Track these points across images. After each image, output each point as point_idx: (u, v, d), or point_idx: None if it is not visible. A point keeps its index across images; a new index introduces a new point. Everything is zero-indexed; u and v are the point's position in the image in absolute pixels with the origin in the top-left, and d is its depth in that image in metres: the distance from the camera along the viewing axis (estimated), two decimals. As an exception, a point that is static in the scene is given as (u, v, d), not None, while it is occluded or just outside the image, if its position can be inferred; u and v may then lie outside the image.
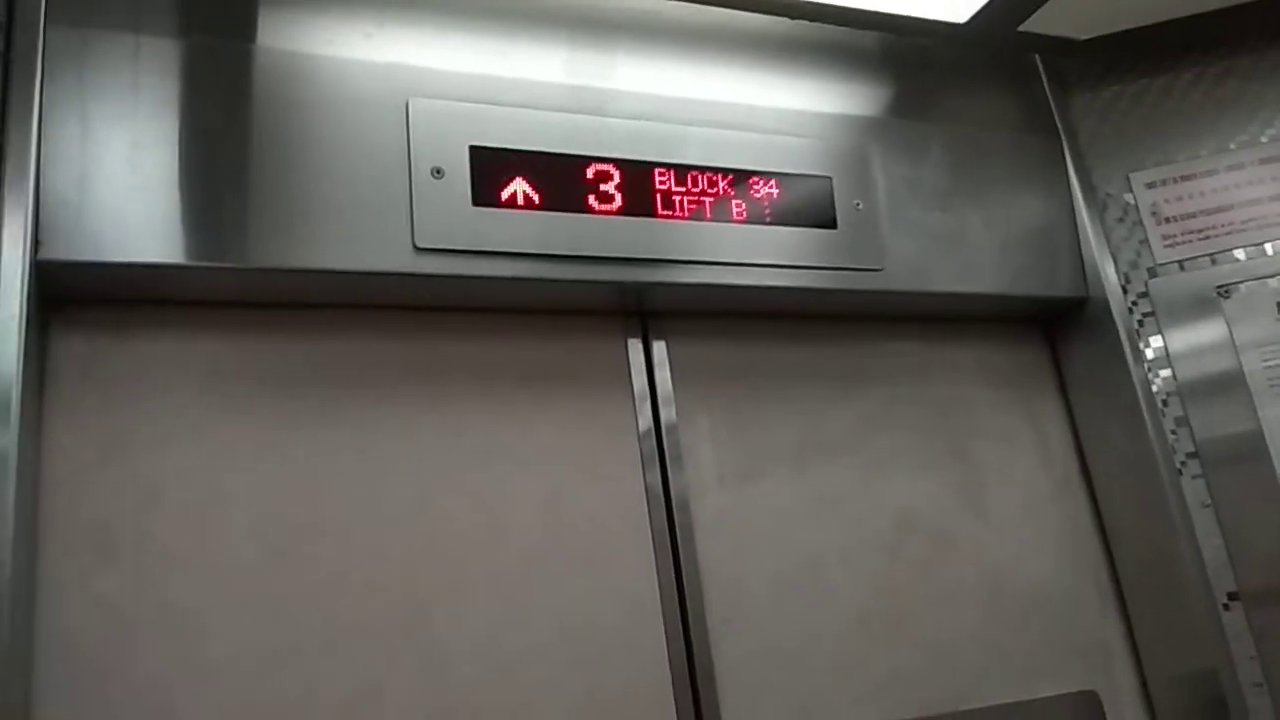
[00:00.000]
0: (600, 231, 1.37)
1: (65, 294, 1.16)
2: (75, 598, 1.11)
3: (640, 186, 1.42)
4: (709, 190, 1.46)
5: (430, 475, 1.31)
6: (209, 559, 1.17)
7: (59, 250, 1.10)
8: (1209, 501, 1.56)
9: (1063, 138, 1.76)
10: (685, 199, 1.45)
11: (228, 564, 1.18)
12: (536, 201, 1.35)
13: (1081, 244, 1.71)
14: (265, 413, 1.26)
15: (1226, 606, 1.52)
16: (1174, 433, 1.60)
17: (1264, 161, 1.70)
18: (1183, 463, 1.59)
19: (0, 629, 0.97)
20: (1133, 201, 1.73)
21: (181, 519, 1.17)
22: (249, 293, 1.27)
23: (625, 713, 1.30)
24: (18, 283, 1.05)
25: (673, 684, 1.34)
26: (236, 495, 1.21)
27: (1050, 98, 1.78)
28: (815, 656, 1.43)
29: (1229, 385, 1.60)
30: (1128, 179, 1.74)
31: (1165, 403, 1.61)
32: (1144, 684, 1.61)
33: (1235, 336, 1.62)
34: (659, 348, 1.51)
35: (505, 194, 1.34)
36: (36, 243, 1.09)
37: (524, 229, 1.33)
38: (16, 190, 1.08)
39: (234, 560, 1.18)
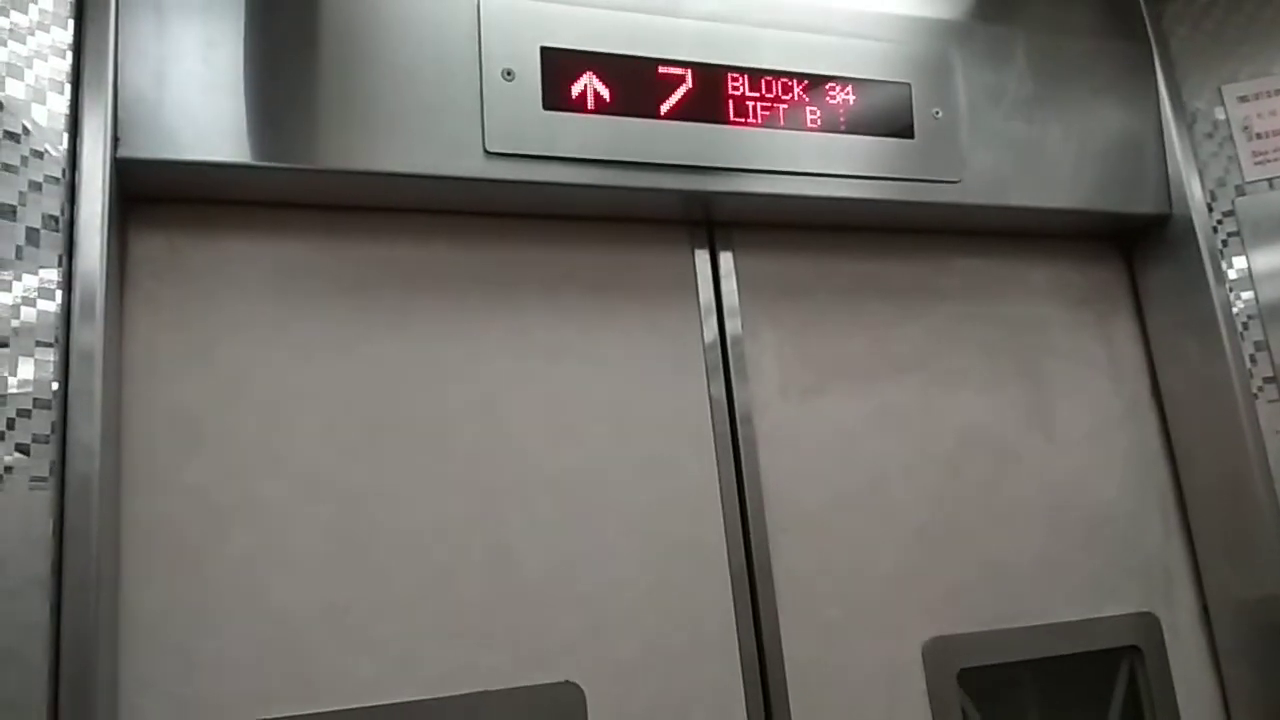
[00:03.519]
0: (670, 137, 1.35)
1: (144, 192, 1.18)
2: (161, 486, 1.15)
3: (712, 91, 1.39)
4: (783, 96, 1.43)
5: (498, 378, 1.33)
6: (287, 452, 1.20)
7: (138, 148, 1.11)
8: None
9: (1153, 46, 1.68)
10: (758, 105, 1.41)
11: (305, 458, 1.21)
12: (607, 104, 1.33)
13: (1168, 159, 1.64)
14: (338, 313, 1.27)
15: None
16: (1252, 357, 1.56)
17: (1367, 74, 1.61)
18: (1259, 388, 1.55)
19: (91, 515, 1.00)
20: (1224, 115, 1.65)
21: (260, 413, 1.21)
22: (320, 194, 1.28)
23: (686, 613, 1.33)
24: (100, 179, 1.07)
25: (732, 588, 1.36)
26: (312, 392, 1.23)
27: (1142, 3, 1.70)
28: (873, 569, 1.44)
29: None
30: (1219, 91, 1.66)
31: (1245, 326, 1.57)
32: (1204, 608, 1.60)
33: (1324, 258, 1.56)
34: (726, 259, 1.50)
35: (575, 97, 1.31)
36: (115, 140, 1.10)
37: (593, 133, 1.31)
38: (96, 86, 1.09)
39: (310, 455, 1.21)
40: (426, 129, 1.24)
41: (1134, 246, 1.72)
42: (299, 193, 1.27)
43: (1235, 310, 1.58)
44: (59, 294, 1.03)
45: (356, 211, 1.31)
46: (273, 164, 1.19)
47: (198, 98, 1.15)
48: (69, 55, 1.09)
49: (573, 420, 1.35)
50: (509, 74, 1.29)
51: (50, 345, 1.01)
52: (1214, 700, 1.57)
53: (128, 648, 1.09)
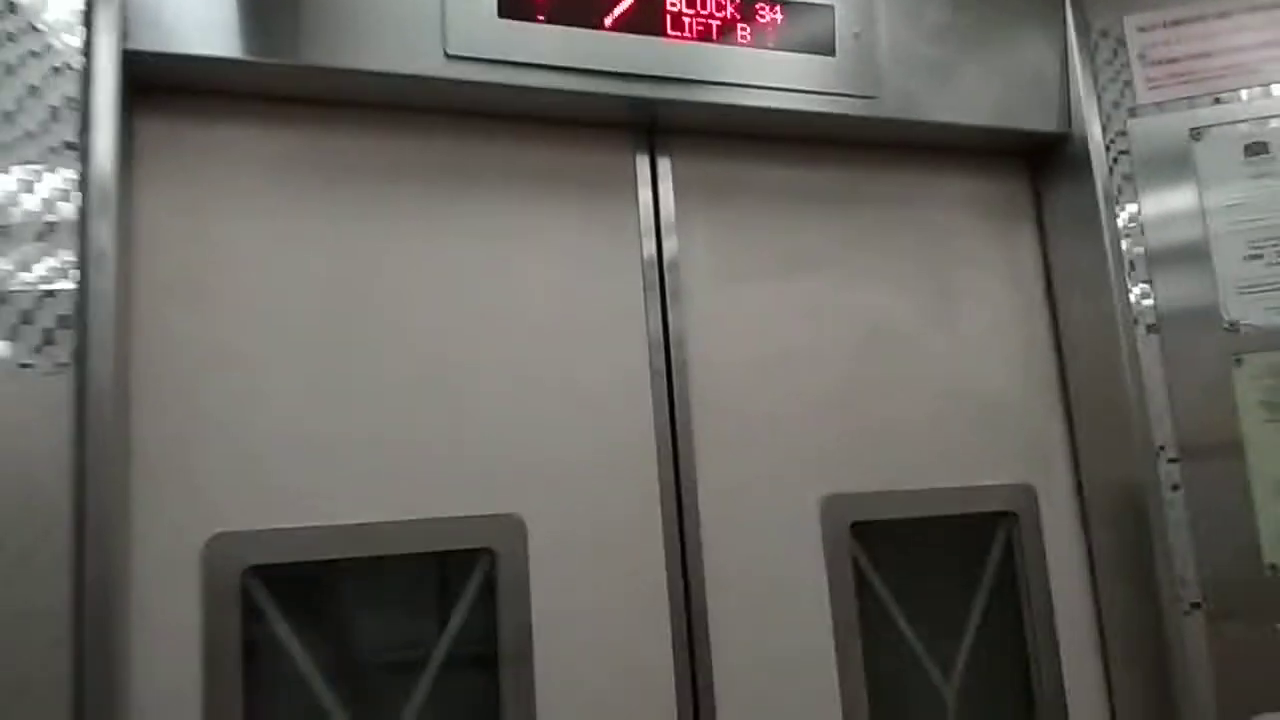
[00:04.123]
0: (614, 47, 1.53)
1: (149, 82, 1.35)
2: (164, 342, 1.35)
3: (652, 6, 1.56)
4: (716, 13, 1.60)
5: (456, 259, 1.52)
6: (274, 313, 1.41)
7: (144, 41, 1.29)
8: (1157, 340, 1.72)
9: (1064, -23, 1.85)
10: (694, 20, 1.59)
11: (289, 320, 1.41)
12: (556, 15, 1.50)
13: (1070, 82, 1.82)
14: (319, 196, 1.46)
15: (1170, 440, 1.70)
16: (1132, 263, 1.75)
17: (1251, 10, 1.78)
18: (1140, 305, 1.73)
19: (104, 359, 1.20)
20: (1124, 43, 1.82)
21: (250, 279, 1.40)
22: (304, 89, 1.45)
23: (617, 465, 1.55)
24: (111, 68, 1.25)
25: (656, 448, 1.57)
26: (296, 265, 1.43)
27: (1057, -63, 1.86)
28: (782, 434, 1.66)
29: (1189, 224, 1.74)
30: (1121, 21, 1.83)
31: (1128, 234, 1.75)
32: (1078, 484, 1.83)
33: (1199, 177, 1.75)
34: (664, 162, 1.68)
35: (528, 6, 1.49)
36: (124, 34, 1.28)
37: (544, 41, 1.49)
38: (107, -17, 1.27)
39: (293, 317, 1.42)
40: (394, 32, 1.42)
41: (1038, 162, 1.91)
42: (285, 86, 1.44)
43: (1120, 223, 1.77)
44: (76, 165, 1.22)
45: (335, 106, 1.49)
46: (260, 59, 1.37)
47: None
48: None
49: (521, 300, 1.55)
50: (469, -15, 1.47)
51: (71, 204, 1.21)
52: (1080, 563, 1.80)
53: (136, 472, 1.30)
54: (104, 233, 1.22)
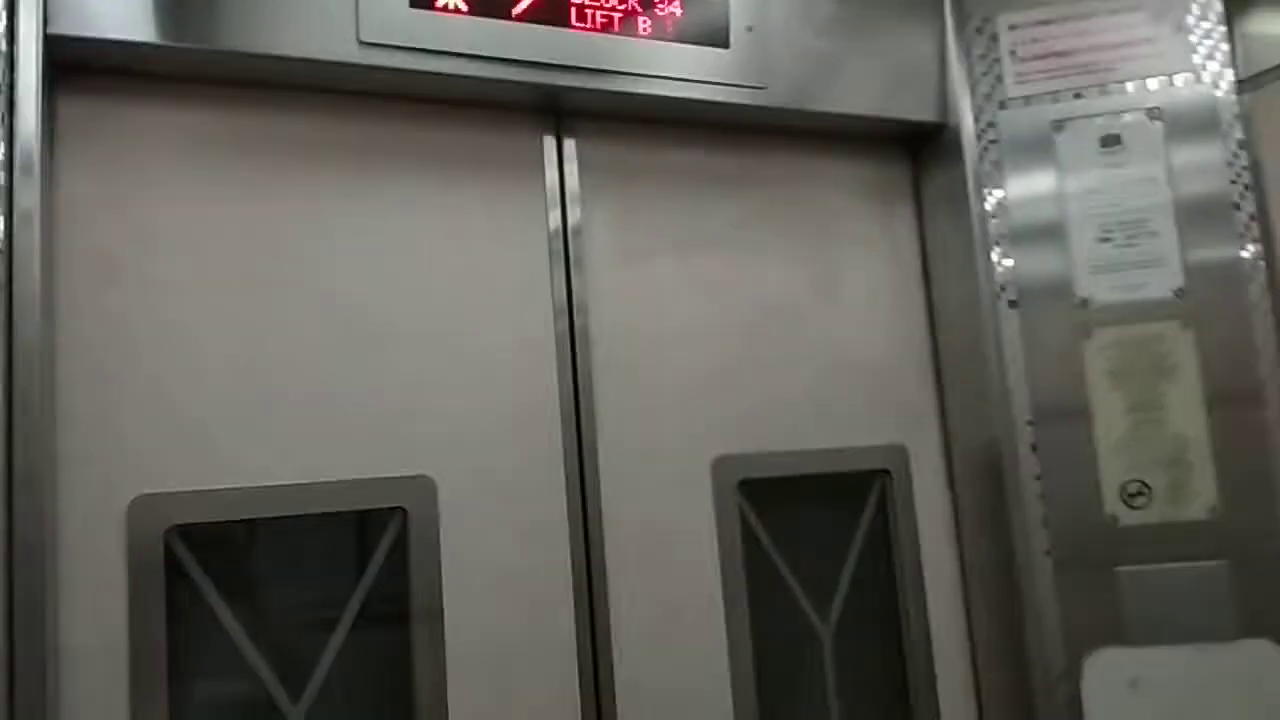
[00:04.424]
0: (521, 37, 1.62)
1: (70, 64, 1.40)
2: (88, 312, 1.41)
3: (558, -1, 1.66)
4: (618, 6, 1.70)
5: (368, 235, 1.61)
6: (194, 284, 1.48)
7: (64, 26, 1.35)
8: (1018, 313, 1.89)
9: (944, -24, 1.99)
10: (597, 13, 1.68)
11: (209, 290, 1.49)
12: (465, 8, 1.58)
13: (947, 75, 1.97)
14: (235, 174, 1.53)
15: (1028, 405, 1.88)
16: (997, 241, 1.91)
17: (1110, 13, 1.95)
18: (1004, 283, 1.90)
19: (30, 335, 1.27)
20: (996, 39, 1.98)
21: (171, 253, 1.48)
22: (219, 71, 1.51)
23: (522, 430, 1.66)
24: (34, 52, 1.30)
25: (560, 413, 1.70)
26: (215, 239, 1.50)
27: (938, -60, 2.00)
28: (679, 399, 1.79)
29: (1050, 208, 1.91)
30: (995, 19, 1.98)
31: (995, 216, 1.92)
32: (946, 444, 2.01)
33: (1060, 165, 1.92)
34: (569, 145, 1.79)
35: (439, -1, 1.57)
36: (46, 19, 1.33)
37: (453, 30, 1.57)
38: (27, -29, 1.31)
39: (213, 288, 1.49)
40: (310, 18, 1.49)
41: (917, 150, 2.07)
42: (202, 69, 1.50)
43: (987, 206, 1.93)
44: (2, 146, 1.27)
45: (252, 87, 1.55)
46: (177, 43, 1.43)
47: (112, -16, 1.38)
48: (0, -57, 1.30)
49: (433, 273, 1.64)
50: (381, -25, 1.54)
51: (-6, 186, 1.26)
52: (946, 515, 1.99)
53: (62, 436, 1.37)
54: (28, 199, 1.28)
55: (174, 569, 1.42)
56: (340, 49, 1.51)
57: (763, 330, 1.89)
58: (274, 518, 1.49)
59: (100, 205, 1.45)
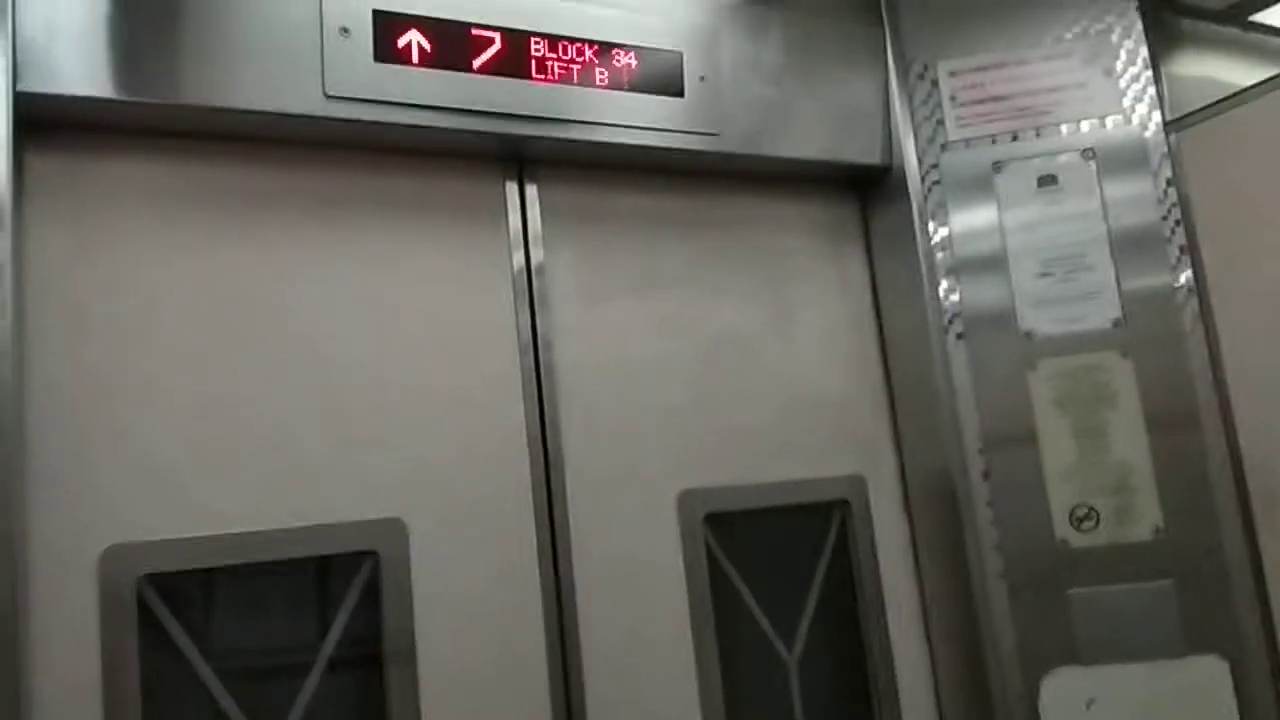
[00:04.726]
0: (483, 89, 1.67)
1: (39, 120, 1.42)
2: (58, 363, 1.43)
3: (518, 51, 1.71)
4: (577, 58, 1.76)
5: (335, 284, 1.64)
6: (162, 335, 1.50)
7: (33, 83, 1.37)
8: (966, 347, 1.97)
9: (886, 27, 2.08)
10: (557, 64, 1.74)
11: (177, 341, 1.51)
12: (429, 59, 1.63)
13: (891, 120, 2.06)
14: (201, 226, 1.56)
15: (978, 434, 1.95)
16: (946, 279, 1.99)
17: (1044, 59, 2.06)
18: (952, 317, 1.98)
19: (2, 385, 1.29)
20: (937, 85, 2.07)
21: (139, 304, 1.49)
22: (185, 125, 1.54)
23: (490, 470, 1.69)
24: (4, 109, 1.33)
25: (528, 452, 1.73)
26: (183, 290, 1.53)
27: (881, -9, 2.10)
28: (642, 435, 1.84)
29: (992, 246, 2.00)
30: (936, 66, 2.08)
31: (941, 254, 2.00)
32: (901, 473, 2.07)
33: (1001, 204, 2.01)
34: (532, 190, 1.84)
35: (402, 51, 1.62)
36: (15, 76, 1.35)
37: (417, 83, 1.62)
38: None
39: (181, 338, 1.51)
40: (275, 74, 1.53)
41: (865, 191, 2.15)
42: (166, 123, 1.53)
43: (934, 244, 2.01)
44: (-28, 200, 1.29)
45: (215, 140, 1.59)
46: (140, 99, 1.46)
47: (80, 43, 1.41)
48: (-28, 5, 1.33)
49: (400, 319, 1.68)
50: (345, 30, 1.58)
51: (-34, 242, 1.28)
52: (904, 541, 2.05)
53: (33, 487, 1.38)
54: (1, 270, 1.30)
55: (147, 617, 1.42)
56: (306, 103, 1.55)
57: (722, 367, 1.94)
58: (246, 564, 1.50)
59: (70, 257, 1.46)
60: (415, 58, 1.62)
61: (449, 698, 1.58)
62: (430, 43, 1.63)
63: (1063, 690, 1.84)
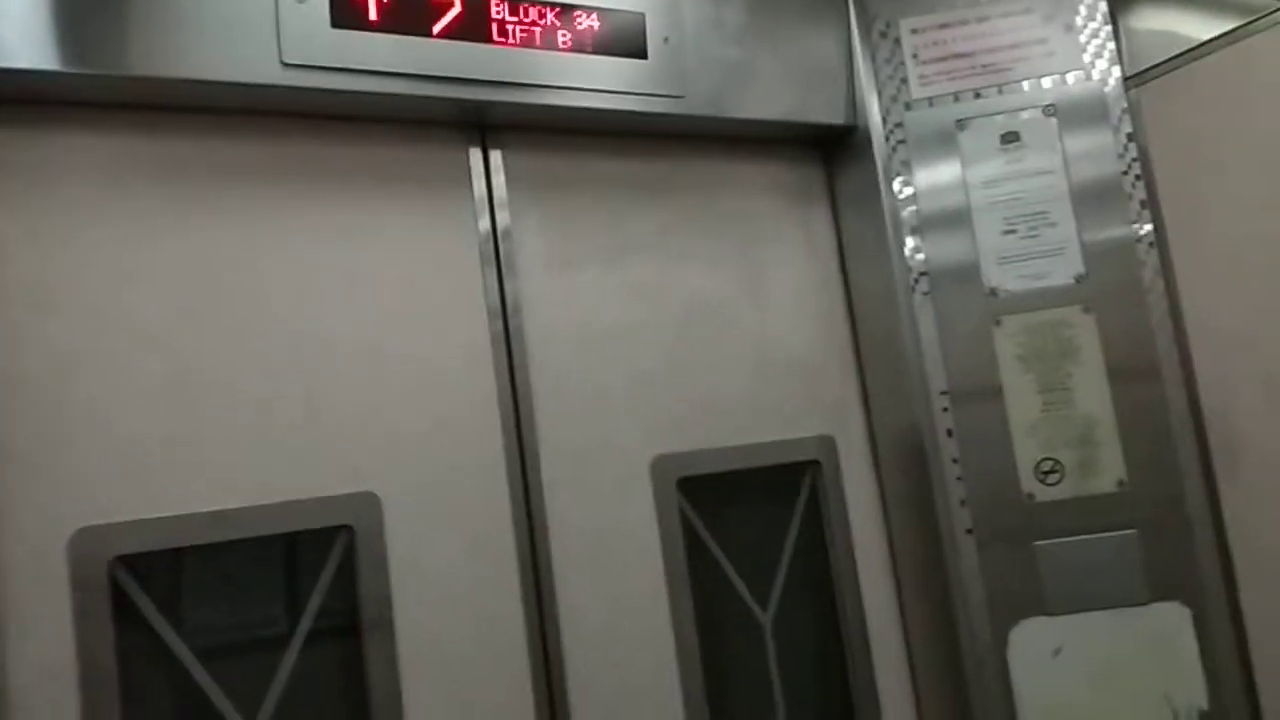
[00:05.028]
0: (443, 54, 1.64)
1: (-15, 95, 1.39)
2: (24, 344, 1.40)
3: (478, 14, 1.68)
4: (539, 21, 1.73)
5: (300, 256, 1.61)
6: (124, 311, 1.47)
7: (-23, 57, 1.33)
8: (932, 305, 1.98)
9: (848, -15, 2.07)
10: (518, 28, 1.71)
11: (140, 317, 1.48)
12: (387, 24, 1.60)
13: (854, 80, 2.06)
14: (161, 200, 1.53)
15: (944, 392, 1.97)
16: (910, 237, 2.00)
17: (1005, 16, 2.06)
18: (918, 276, 1.99)
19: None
20: (899, 44, 2.07)
21: (97, 280, 1.46)
22: (139, 97, 1.50)
23: (463, 441, 1.69)
24: (-51, 85, 1.28)
25: (500, 422, 1.72)
26: (142, 265, 1.50)
27: (842, -51, 2.08)
28: (613, 402, 1.84)
29: (957, 204, 2.01)
30: (898, 24, 2.07)
31: (907, 217, 2.00)
32: (870, 432, 2.09)
33: (964, 162, 2.02)
34: (496, 156, 1.81)
35: (359, 16, 1.58)
36: (-41, 51, 1.31)
37: (376, 49, 1.58)
38: (-65, 2, 1.29)
39: (145, 314, 1.48)
40: (229, 42, 1.49)
41: (829, 151, 2.15)
42: (117, 94, 1.49)
43: (899, 203, 2.02)
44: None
45: (172, 111, 1.55)
46: (88, 71, 1.41)
47: (24, 11, 1.36)
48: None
49: (366, 290, 1.66)
50: (302, -3, 1.55)
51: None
52: (874, 499, 2.07)
53: (1, 470, 1.36)
54: None
55: (120, 597, 1.41)
56: (263, 71, 1.51)
57: (691, 331, 1.94)
58: (220, 542, 1.48)
59: (30, 235, 1.43)
60: (373, 22, 1.59)
61: (428, 667, 1.59)
62: (389, 7, 1.60)
63: (1031, 640, 1.88)
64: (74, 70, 1.40)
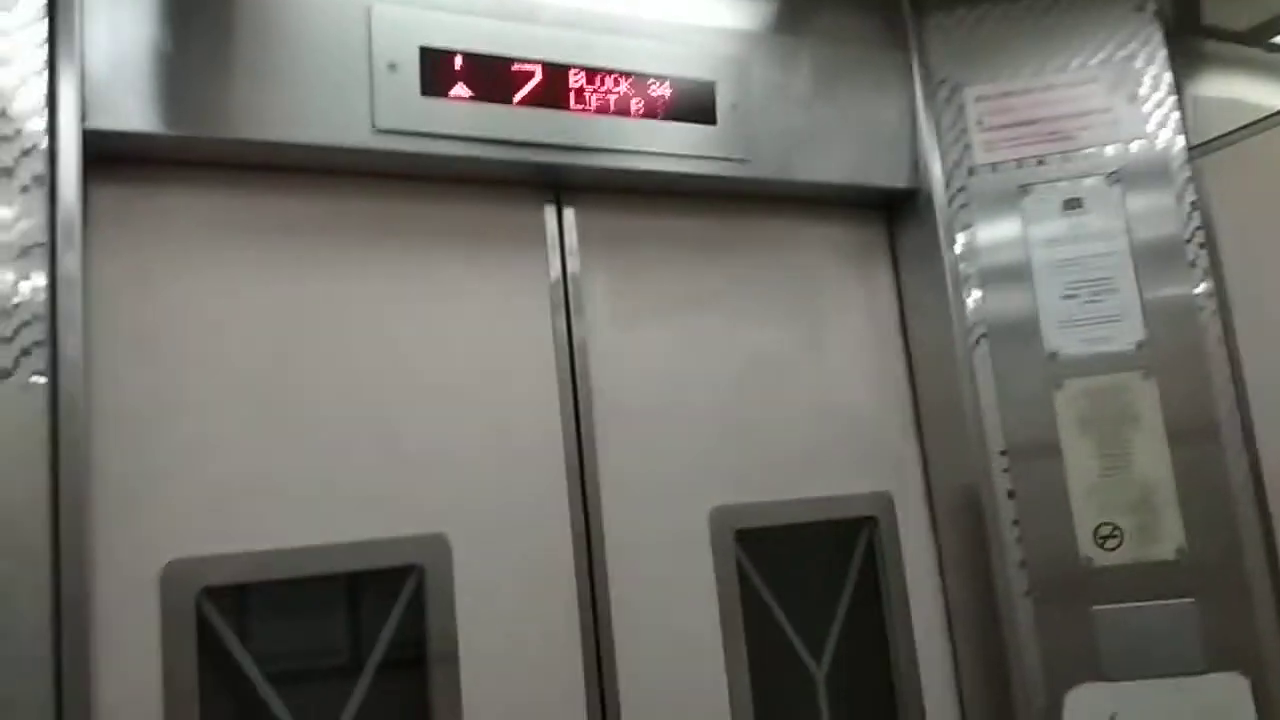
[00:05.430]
0: (523, 120, 1.74)
1: (102, 154, 1.49)
2: (126, 384, 1.50)
3: (557, 84, 1.77)
4: (614, 89, 1.82)
5: (385, 307, 1.71)
6: (220, 360, 1.57)
7: (99, 120, 1.44)
8: (992, 367, 2.01)
9: (914, 54, 2.13)
10: (594, 95, 1.81)
11: (233, 365, 1.58)
12: (473, 95, 1.70)
13: (918, 145, 2.11)
14: (255, 254, 1.63)
15: (1004, 453, 1.99)
16: (972, 306, 2.04)
17: (1069, 85, 2.10)
18: (978, 338, 2.03)
19: (74, 396, 1.35)
20: (964, 111, 2.12)
21: (197, 330, 1.57)
22: (239, 157, 1.61)
23: (529, 489, 1.75)
24: (74, 145, 1.40)
25: (565, 473, 1.79)
26: (238, 317, 1.60)
27: (907, 20, 2.14)
28: (679, 456, 1.89)
29: (1018, 268, 2.04)
30: (962, 92, 2.13)
31: (968, 279, 2.05)
32: (928, 489, 2.12)
33: (1026, 226, 2.05)
34: (569, 214, 1.90)
35: (447, 87, 1.69)
36: (84, 114, 1.43)
37: (461, 116, 1.69)
38: (69, 71, 1.41)
39: (238, 363, 1.58)
40: (328, 109, 1.60)
41: (891, 213, 2.20)
42: (220, 155, 1.60)
43: (961, 267, 2.06)
44: (45, 223, 1.37)
45: (271, 171, 1.66)
46: (194, 134, 1.53)
47: (137, 79, 1.48)
48: (44, 48, 1.41)
49: (444, 341, 1.74)
50: (393, 67, 1.65)
51: (41, 270, 1.36)
52: (930, 556, 2.09)
53: (99, 503, 1.45)
54: (71, 266, 1.37)
55: (205, 627, 1.50)
56: (357, 136, 1.62)
57: (753, 385, 2.00)
58: (299, 578, 1.57)
59: (132, 284, 1.54)
60: (460, 92, 1.69)
61: (490, 704, 1.65)
62: (474, 77, 1.70)
63: (1086, 705, 1.88)
64: (180, 133, 1.52)
